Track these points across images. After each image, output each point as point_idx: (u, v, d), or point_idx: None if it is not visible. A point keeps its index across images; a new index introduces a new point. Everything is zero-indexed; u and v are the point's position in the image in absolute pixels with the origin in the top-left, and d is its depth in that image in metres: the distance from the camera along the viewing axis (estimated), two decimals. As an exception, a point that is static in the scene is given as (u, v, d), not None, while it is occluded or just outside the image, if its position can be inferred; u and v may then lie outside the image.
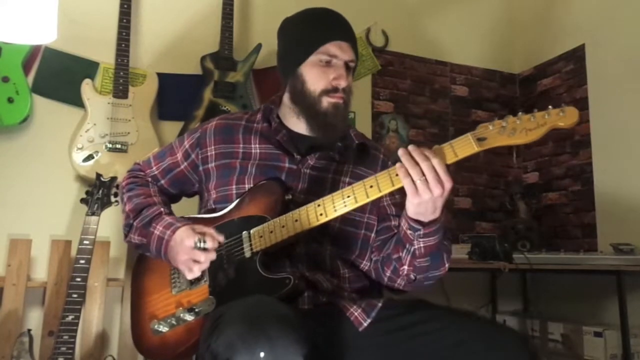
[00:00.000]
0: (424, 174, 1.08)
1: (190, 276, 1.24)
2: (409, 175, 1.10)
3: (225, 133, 1.42)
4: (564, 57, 3.18)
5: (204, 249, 1.21)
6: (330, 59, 1.34)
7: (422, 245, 1.19)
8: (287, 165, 1.36)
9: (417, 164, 1.09)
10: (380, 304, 1.22)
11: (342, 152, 1.41)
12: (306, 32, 1.38)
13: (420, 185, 1.09)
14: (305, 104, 1.36)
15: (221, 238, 1.24)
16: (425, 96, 3.23)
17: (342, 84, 1.34)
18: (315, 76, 1.34)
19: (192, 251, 1.21)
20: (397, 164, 1.12)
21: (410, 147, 1.12)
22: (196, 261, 1.21)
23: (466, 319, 1.18)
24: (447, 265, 1.26)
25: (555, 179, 3.16)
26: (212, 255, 1.21)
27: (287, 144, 1.37)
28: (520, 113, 1.11)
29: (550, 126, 1.09)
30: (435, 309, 1.20)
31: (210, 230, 1.24)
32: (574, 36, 3.12)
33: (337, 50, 1.34)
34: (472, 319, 1.18)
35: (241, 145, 1.40)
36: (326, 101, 1.34)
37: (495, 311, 3.11)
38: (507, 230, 3.05)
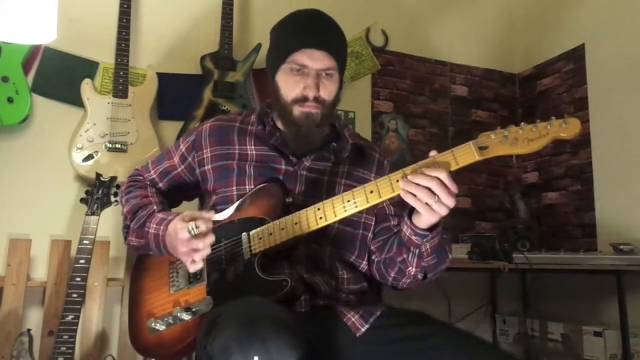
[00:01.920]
0: (435, 194, 1.08)
1: (193, 268, 1.21)
2: (420, 200, 1.10)
3: (220, 135, 1.42)
4: (564, 57, 3.18)
5: (200, 235, 1.18)
6: (301, 68, 1.32)
7: (429, 247, 1.20)
8: (284, 167, 1.36)
9: (423, 187, 1.09)
10: (379, 312, 1.22)
11: (338, 154, 1.40)
12: (280, 40, 1.37)
13: (435, 205, 1.09)
14: (282, 112, 1.36)
15: (213, 215, 1.22)
16: (425, 96, 3.23)
17: (311, 94, 1.31)
18: (286, 85, 1.34)
19: (188, 242, 1.19)
20: (403, 194, 1.11)
21: (409, 176, 1.11)
22: (196, 250, 1.19)
23: (466, 340, 1.16)
24: (450, 255, 1.27)
25: (555, 179, 3.16)
26: (210, 239, 1.19)
27: (282, 146, 1.37)
28: (523, 123, 1.11)
29: (553, 137, 1.08)
30: (435, 325, 1.20)
31: (200, 214, 1.22)
32: (574, 36, 3.12)
33: (307, 60, 1.31)
34: (473, 342, 1.17)
35: (237, 147, 1.40)
36: (298, 110, 1.33)
37: (495, 311, 3.11)
38: (507, 230, 3.05)
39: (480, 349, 1.14)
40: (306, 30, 1.34)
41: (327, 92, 1.33)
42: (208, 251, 1.20)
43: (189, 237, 1.18)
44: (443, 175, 1.09)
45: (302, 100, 1.32)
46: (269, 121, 1.41)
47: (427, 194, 1.08)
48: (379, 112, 3.08)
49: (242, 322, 0.95)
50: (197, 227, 1.18)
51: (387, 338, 1.17)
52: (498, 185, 3.32)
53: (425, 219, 1.14)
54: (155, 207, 1.37)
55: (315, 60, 1.31)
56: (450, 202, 1.09)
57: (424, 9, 3.29)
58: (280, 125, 1.42)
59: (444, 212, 1.10)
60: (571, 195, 3.05)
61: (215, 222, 1.32)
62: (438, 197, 1.08)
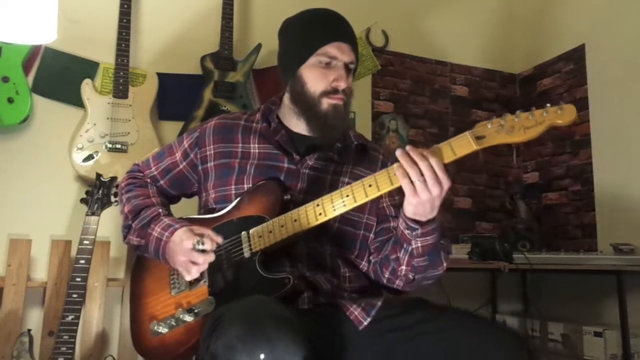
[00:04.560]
0: (422, 174, 1.09)
1: (188, 278, 1.25)
2: (407, 175, 1.10)
3: (224, 132, 1.42)
4: (564, 57, 3.18)
5: (202, 251, 1.21)
6: (330, 60, 1.34)
7: (419, 245, 1.19)
8: (286, 165, 1.36)
9: (415, 163, 1.10)
10: (379, 303, 1.22)
11: (341, 153, 1.41)
12: (306, 34, 1.38)
13: (419, 185, 1.09)
14: (306, 106, 1.36)
15: (219, 239, 1.24)
16: (425, 96, 3.23)
17: (342, 85, 1.34)
18: (315, 78, 1.34)
19: (190, 252, 1.21)
20: (396, 164, 1.12)
21: (408, 147, 1.12)
22: (194, 263, 1.21)
23: (466, 319, 1.18)
24: (445, 264, 1.27)
25: (555, 179, 3.16)
26: (211, 257, 1.21)
27: (286, 144, 1.37)
28: (518, 111, 1.11)
29: (549, 124, 1.08)
30: (435, 309, 1.21)
31: (208, 231, 1.24)
32: (574, 36, 3.12)
33: (337, 52, 1.34)
34: (472, 319, 1.19)
35: (240, 145, 1.40)
36: (326, 102, 1.34)
37: (495, 311, 3.11)
38: (507, 230, 3.05)
39: (482, 326, 1.16)
40: (335, 24, 1.39)
41: (349, 84, 1.38)
42: (205, 267, 1.22)
43: (191, 248, 1.21)
44: (434, 160, 1.10)
45: (333, 92, 1.34)
46: (274, 118, 1.41)
47: (416, 172, 1.09)
48: (379, 112, 3.08)
49: (246, 321, 0.96)
50: (202, 244, 1.21)
51: (389, 328, 1.18)
52: (498, 185, 3.31)
53: (408, 202, 1.14)
54: (160, 210, 1.37)
55: (343, 52, 1.35)
56: (435, 189, 1.09)
57: (424, 9, 3.29)
58: (286, 122, 1.42)
59: (424, 195, 1.10)
60: (571, 195, 3.05)
61: (214, 220, 1.32)
62: (424, 178, 1.09)
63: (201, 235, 1.23)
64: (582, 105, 3.01)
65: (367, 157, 1.45)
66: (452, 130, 3.26)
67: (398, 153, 1.12)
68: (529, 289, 3.13)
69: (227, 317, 1.00)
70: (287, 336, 0.93)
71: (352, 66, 1.38)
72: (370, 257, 1.37)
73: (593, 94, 2.98)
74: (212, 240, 1.22)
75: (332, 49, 1.34)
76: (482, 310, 3.08)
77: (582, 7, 3.10)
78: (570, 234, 3.03)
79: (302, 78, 1.36)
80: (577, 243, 2.94)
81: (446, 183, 1.10)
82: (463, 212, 3.16)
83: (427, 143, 3.07)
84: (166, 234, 1.28)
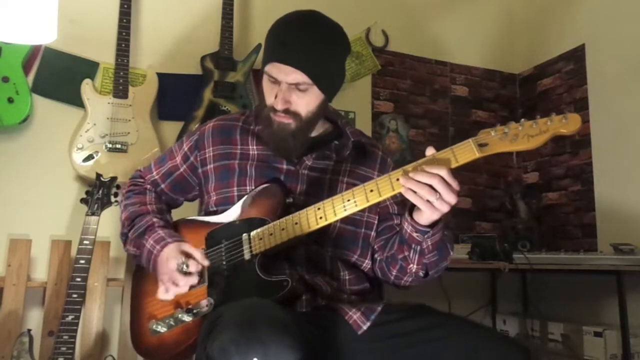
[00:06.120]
0: (436, 191, 1.08)
1: (163, 297, 1.24)
2: (421, 197, 1.09)
3: (223, 134, 1.43)
4: (564, 57, 3.18)
5: (186, 273, 1.21)
6: (274, 79, 1.30)
7: (429, 243, 1.19)
8: (285, 166, 1.36)
9: (425, 184, 1.09)
10: (379, 308, 1.21)
11: (339, 151, 1.40)
12: (265, 45, 1.34)
13: (436, 202, 1.09)
14: (264, 114, 1.35)
15: (206, 263, 1.24)
16: (425, 96, 3.23)
17: (278, 106, 1.29)
18: (265, 91, 1.34)
19: (173, 273, 1.22)
20: (404, 190, 1.11)
21: (411, 173, 1.10)
22: (175, 283, 1.22)
23: (468, 328, 1.17)
24: (452, 252, 1.27)
25: (555, 179, 3.16)
26: (193, 280, 1.22)
27: None
28: (522, 119, 1.11)
29: (553, 133, 1.08)
30: (436, 316, 1.20)
31: (196, 253, 1.24)
32: (574, 36, 3.12)
33: (276, 72, 1.28)
34: (474, 329, 1.17)
35: (239, 147, 1.40)
36: (272, 117, 1.32)
37: (495, 311, 3.11)
38: (507, 230, 3.05)
39: (483, 335, 1.15)
40: (279, 43, 1.30)
41: (301, 105, 1.31)
42: (185, 289, 1.22)
43: (175, 269, 1.21)
44: (444, 172, 1.09)
45: (273, 109, 1.31)
46: None
47: (428, 191, 1.08)
48: (379, 112, 3.08)
49: (241, 323, 0.95)
50: (187, 266, 1.21)
51: (388, 333, 1.17)
52: (498, 185, 3.31)
53: (426, 216, 1.14)
54: (154, 219, 1.37)
55: (285, 74, 1.27)
56: (452, 199, 1.09)
57: (424, 9, 3.29)
58: None
59: (445, 208, 1.10)
60: (571, 195, 3.05)
61: (214, 222, 1.32)
62: (439, 194, 1.08)
63: (188, 256, 1.23)
64: (582, 105, 3.01)
65: (366, 154, 1.44)
66: (452, 130, 3.26)
67: (402, 181, 1.10)
68: (529, 289, 3.13)
69: (222, 320, 1.00)
70: (282, 340, 0.92)
71: (302, 87, 1.28)
72: (375, 255, 1.37)
73: (593, 94, 2.98)
74: (197, 264, 1.22)
75: (272, 68, 1.29)
76: (482, 310, 3.08)
77: (582, 7, 3.10)
78: (570, 234, 3.03)
79: (262, 86, 1.35)
80: (577, 243, 2.94)
81: (457, 187, 1.10)
82: (463, 212, 3.16)
83: (427, 143, 3.07)
84: (157, 247, 1.29)
